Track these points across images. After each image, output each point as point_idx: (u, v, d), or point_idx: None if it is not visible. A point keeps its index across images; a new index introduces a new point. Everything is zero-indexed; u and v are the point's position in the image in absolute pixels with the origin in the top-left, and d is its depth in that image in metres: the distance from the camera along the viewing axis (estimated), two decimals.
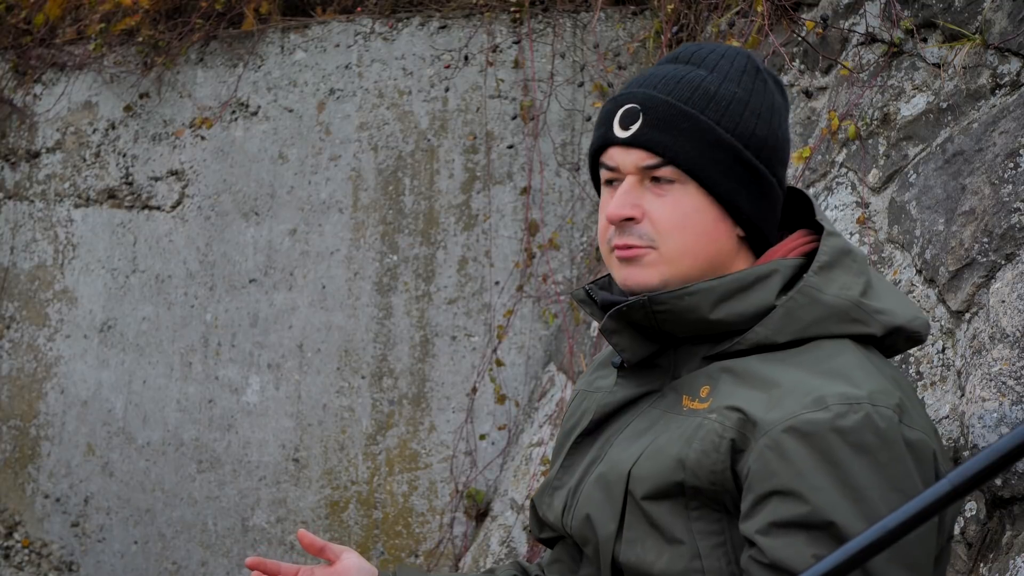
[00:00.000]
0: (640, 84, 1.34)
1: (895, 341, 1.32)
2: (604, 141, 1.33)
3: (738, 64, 1.32)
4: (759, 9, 2.71)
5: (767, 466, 1.16)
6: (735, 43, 2.80)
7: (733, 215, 1.30)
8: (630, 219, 1.29)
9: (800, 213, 1.39)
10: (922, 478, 1.16)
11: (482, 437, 3.61)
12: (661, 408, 1.31)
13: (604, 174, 1.35)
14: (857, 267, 1.30)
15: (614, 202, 1.31)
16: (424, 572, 1.49)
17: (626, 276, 1.32)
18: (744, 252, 1.34)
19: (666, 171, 1.28)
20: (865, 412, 1.16)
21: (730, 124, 1.28)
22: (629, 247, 1.30)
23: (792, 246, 1.34)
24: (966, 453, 1.65)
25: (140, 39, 4.16)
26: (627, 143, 1.30)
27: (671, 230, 1.29)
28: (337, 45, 3.95)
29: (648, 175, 1.30)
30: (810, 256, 1.31)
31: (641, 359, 1.34)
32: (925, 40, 2.29)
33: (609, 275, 1.42)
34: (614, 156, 1.32)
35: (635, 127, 1.29)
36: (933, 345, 1.92)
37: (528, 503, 3.20)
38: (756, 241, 1.34)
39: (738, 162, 1.28)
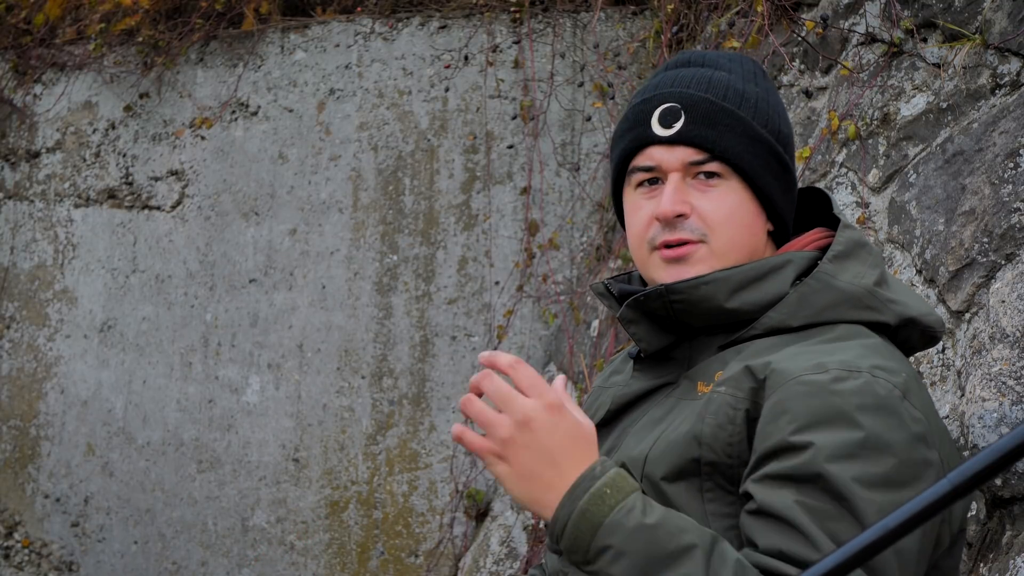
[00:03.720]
0: (670, 85, 1.34)
1: (910, 335, 1.32)
2: (643, 141, 1.33)
3: (747, 66, 1.36)
4: (759, 9, 2.71)
5: (765, 428, 1.18)
6: (735, 43, 2.80)
7: (767, 209, 1.33)
8: (681, 215, 1.30)
9: (819, 212, 1.41)
10: (920, 455, 1.15)
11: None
12: (676, 396, 1.32)
13: (639, 176, 1.35)
14: (872, 260, 1.32)
15: (666, 199, 1.31)
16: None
17: (675, 275, 1.32)
18: (771, 248, 1.36)
19: (713, 166, 1.30)
20: (865, 379, 1.16)
21: (762, 120, 1.32)
22: (681, 243, 1.31)
23: (808, 240, 1.36)
24: (966, 453, 1.65)
25: (140, 39, 4.17)
26: (671, 141, 1.31)
27: (720, 224, 1.30)
28: (337, 45, 3.95)
29: (693, 171, 1.31)
30: (825, 250, 1.33)
31: (658, 350, 1.35)
32: (925, 40, 2.29)
33: (628, 273, 1.45)
34: (654, 155, 1.32)
35: (679, 124, 1.30)
36: (938, 342, 1.91)
37: None
38: (780, 237, 1.36)
39: (772, 157, 1.32)
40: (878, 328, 1.28)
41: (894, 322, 1.29)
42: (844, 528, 1.09)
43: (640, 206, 1.35)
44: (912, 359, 1.93)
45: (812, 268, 1.31)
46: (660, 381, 1.37)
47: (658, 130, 1.31)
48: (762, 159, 1.31)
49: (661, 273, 1.33)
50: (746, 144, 1.30)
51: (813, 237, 1.36)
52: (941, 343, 1.90)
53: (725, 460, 1.20)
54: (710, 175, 1.31)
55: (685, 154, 1.30)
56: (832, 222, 1.38)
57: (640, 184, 1.35)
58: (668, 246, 1.32)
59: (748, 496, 1.17)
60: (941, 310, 1.93)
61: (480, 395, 1.13)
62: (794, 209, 1.37)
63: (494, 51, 3.74)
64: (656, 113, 1.32)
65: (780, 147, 1.32)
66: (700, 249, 1.30)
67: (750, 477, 1.17)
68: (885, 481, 1.12)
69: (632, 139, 1.34)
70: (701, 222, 1.30)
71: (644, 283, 1.42)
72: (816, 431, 1.13)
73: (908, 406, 1.17)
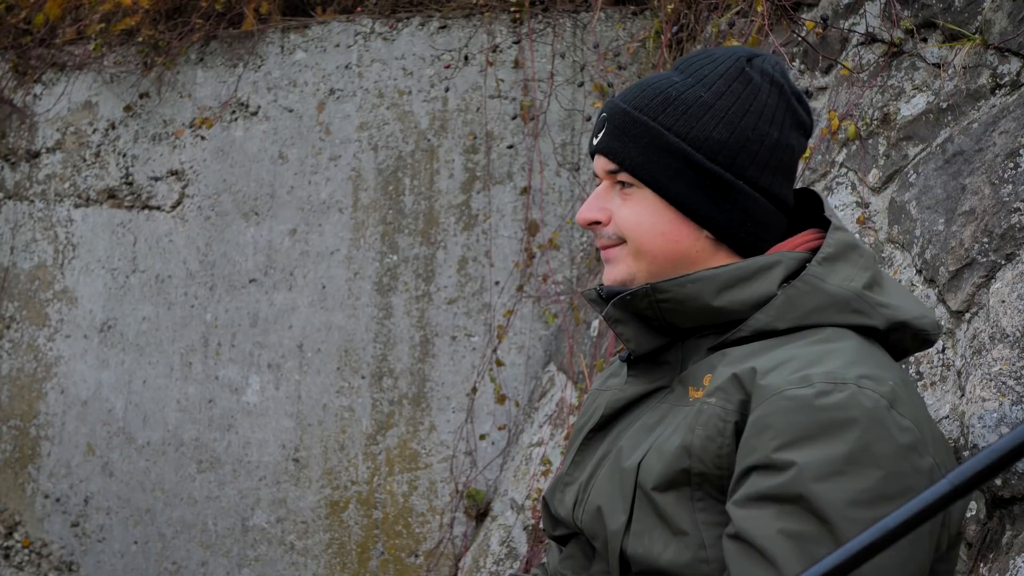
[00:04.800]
0: (619, 94, 1.40)
1: (901, 339, 1.31)
2: (590, 150, 1.42)
3: (722, 68, 1.35)
4: (759, 9, 2.71)
5: (748, 442, 1.17)
6: (735, 43, 2.79)
7: (690, 217, 1.33)
8: (597, 223, 1.38)
9: (815, 213, 1.40)
10: (911, 465, 1.14)
11: (482, 437, 3.60)
12: (669, 402, 1.32)
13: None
14: (863, 262, 1.31)
15: (583, 206, 1.39)
16: None
17: (607, 276, 1.40)
18: (724, 253, 1.35)
19: (624, 176, 1.35)
20: (850, 392, 1.15)
21: (683, 128, 1.32)
22: (605, 247, 1.39)
23: (799, 242, 1.36)
24: (966, 453, 1.65)
25: (140, 39, 4.17)
26: (596, 150, 1.39)
27: (629, 230, 1.36)
28: (337, 45, 3.95)
29: (614, 180, 1.37)
30: (817, 251, 1.32)
31: (647, 352, 1.36)
32: (925, 40, 2.29)
33: None
34: (594, 162, 1.40)
35: (601, 135, 1.38)
36: (933, 345, 1.91)
37: (528, 502, 3.21)
38: (737, 243, 1.35)
39: (688, 166, 1.32)
40: (867, 331, 1.28)
41: (883, 326, 1.28)
42: (826, 551, 1.08)
43: None
44: (912, 359, 1.93)
45: (802, 269, 1.31)
46: (654, 385, 1.37)
47: (594, 139, 1.40)
48: (671, 169, 1.32)
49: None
50: (651, 154, 1.32)
51: (805, 238, 1.36)
52: (941, 343, 1.90)
53: (715, 472, 1.21)
54: (627, 184, 1.35)
55: (604, 163, 1.37)
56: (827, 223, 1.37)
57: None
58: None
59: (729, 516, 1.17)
60: (941, 310, 1.93)
61: None
62: (749, 214, 1.33)
63: (494, 51, 3.74)
64: (597, 123, 1.40)
65: (703, 154, 1.31)
66: (623, 249, 1.37)
67: (732, 498, 1.17)
68: (873, 497, 1.11)
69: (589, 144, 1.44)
70: (616, 228, 1.37)
71: None
72: (799, 448, 1.13)
73: (896, 416, 1.16)
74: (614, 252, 1.38)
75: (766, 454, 1.15)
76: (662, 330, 1.35)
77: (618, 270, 1.37)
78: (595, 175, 1.41)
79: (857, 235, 2.24)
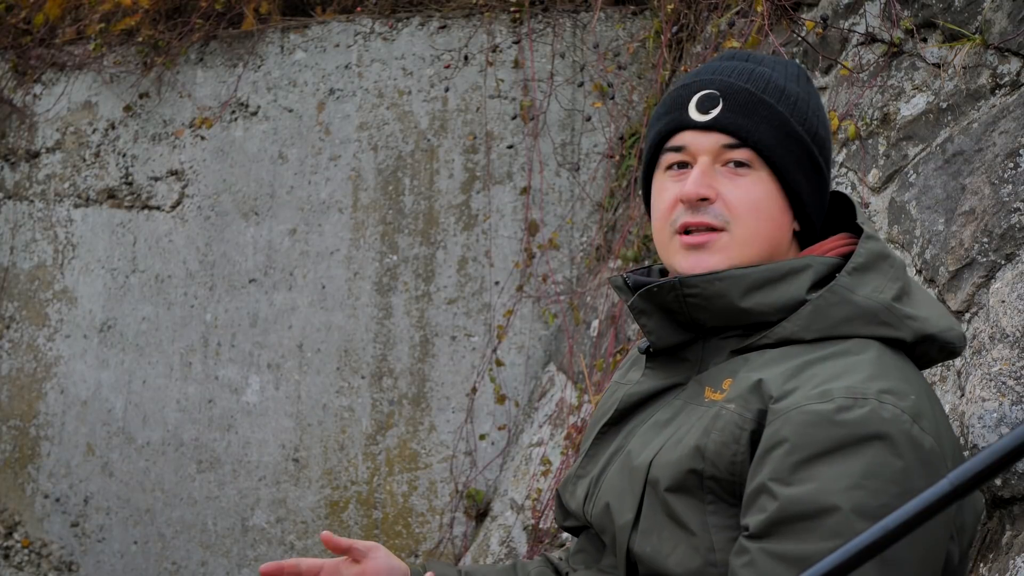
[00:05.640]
0: (711, 73, 1.34)
1: (927, 350, 1.30)
2: (677, 124, 1.33)
3: (791, 68, 1.36)
4: (759, 9, 2.70)
5: (764, 454, 1.17)
6: (735, 43, 2.80)
7: (795, 207, 1.32)
8: (705, 199, 1.29)
9: (844, 217, 1.40)
10: (929, 482, 1.10)
11: (482, 437, 3.60)
12: (683, 399, 1.31)
13: (669, 158, 1.34)
14: (894, 272, 1.30)
15: (691, 181, 1.30)
16: (455, 567, 1.49)
17: (694, 263, 1.31)
18: (795, 248, 1.35)
19: (744, 154, 1.29)
20: (871, 407, 1.14)
21: (800, 119, 1.31)
22: (703, 228, 1.30)
23: (831, 246, 1.35)
24: (966, 453, 1.65)
25: (140, 39, 4.17)
26: (706, 126, 1.30)
27: (745, 213, 1.29)
28: (337, 45, 3.95)
29: (724, 158, 1.30)
30: (848, 258, 1.31)
31: (668, 347, 1.34)
32: (925, 40, 2.29)
33: (648, 267, 1.44)
34: (686, 139, 1.32)
35: (716, 111, 1.30)
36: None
37: (528, 502, 3.21)
38: (805, 239, 1.35)
39: (806, 156, 1.31)
40: (894, 342, 1.26)
41: (911, 339, 1.27)
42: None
43: (667, 188, 1.34)
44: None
45: (831, 275, 1.29)
46: (670, 381, 1.36)
47: (695, 115, 1.31)
48: (795, 156, 1.30)
49: (680, 259, 1.32)
50: (780, 138, 1.29)
51: (836, 243, 1.35)
52: None
53: (727, 477, 1.20)
54: (740, 164, 1.30)
55: (718, 139, 1.30)
56: (858, 227, 1.36)
57: (670, 167, 1.34)
58: (688, 231, 1.31)
59: (743, 529, 1.17)
60: None
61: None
62: (823, 213, 1.36)
63: (494, 51, 3.74)
64: (695, 99, 1.32)
65: (815, 147, 1.31)
66: (722, 238, 1.29)
67: (746, 516, 1.16)
68: (888, 513, 1.10)
69: (668, 122, 1.34)
70: (725, 208, 1.29)
71: (664, 276, 1.40)
72: (817, 464, 1.13)
73: (917, 431, 1.15)
74: (712, 240, 1.29)
75: (783, 469, 1.14)
76: (686, 326, 1.33)
77: (716, 260, 1.29)
78: (676, 151, 1.32)
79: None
